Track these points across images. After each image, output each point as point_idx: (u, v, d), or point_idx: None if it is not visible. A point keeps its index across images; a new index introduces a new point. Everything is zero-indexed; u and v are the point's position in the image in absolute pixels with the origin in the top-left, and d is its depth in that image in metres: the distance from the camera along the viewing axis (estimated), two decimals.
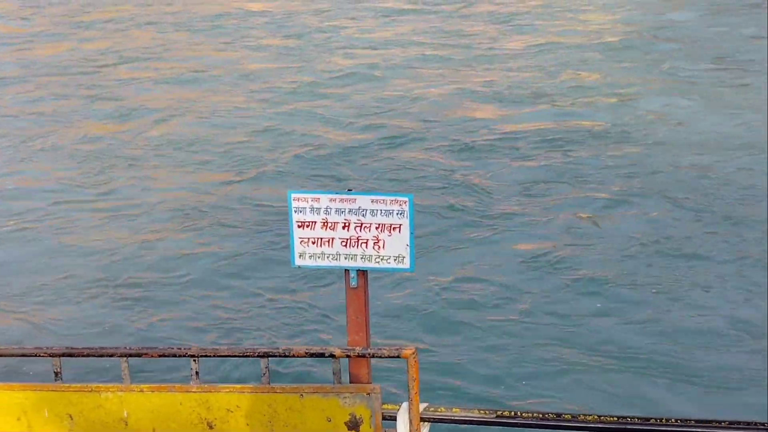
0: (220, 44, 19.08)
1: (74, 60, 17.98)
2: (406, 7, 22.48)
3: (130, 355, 4.42)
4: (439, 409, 4.36)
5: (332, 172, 10.98)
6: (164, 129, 13.08)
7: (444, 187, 10.33)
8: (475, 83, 15.01)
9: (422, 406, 4.29)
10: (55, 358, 4.40)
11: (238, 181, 10.85)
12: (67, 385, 4.40)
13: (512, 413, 4.34)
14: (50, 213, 10.09)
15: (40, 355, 4.42)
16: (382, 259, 4.51)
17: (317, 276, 7.92)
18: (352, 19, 21.33)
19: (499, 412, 4.34)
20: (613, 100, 13.59)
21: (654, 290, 7.69)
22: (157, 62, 17.60)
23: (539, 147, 11.62)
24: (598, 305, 7.48)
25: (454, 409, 4.37)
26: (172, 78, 16.19)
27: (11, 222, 9.91)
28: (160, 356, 4.49)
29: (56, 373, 4.41)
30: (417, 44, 18.11)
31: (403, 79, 15.47)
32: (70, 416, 4.36)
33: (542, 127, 12.36)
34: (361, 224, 4.50)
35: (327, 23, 20.81)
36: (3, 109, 14.58)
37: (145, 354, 4.50)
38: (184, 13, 22.96)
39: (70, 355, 4.43)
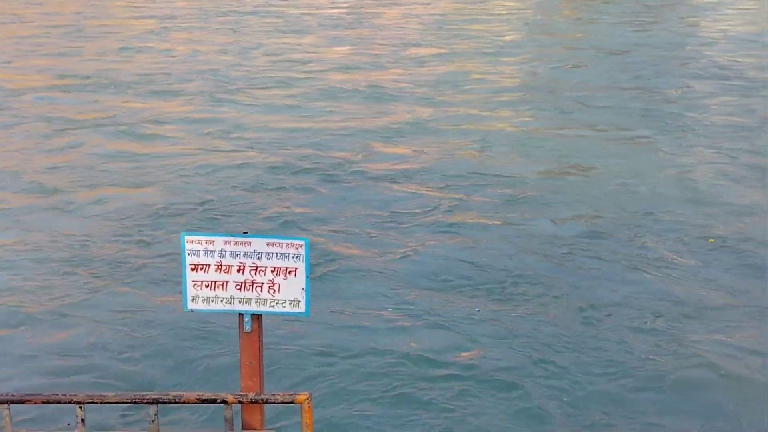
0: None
1: None
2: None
3: (12, 402, 4.24)
4: None
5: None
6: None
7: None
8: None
9: None
10: None
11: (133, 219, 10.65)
12: None
13: None
14: None
15: None
16: (277, 303, 4.47)
17: (210, 319, 7.78)
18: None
19: None
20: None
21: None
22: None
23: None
24: (505, 343, 7.53)
25: None
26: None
27: None
28: (43, 403, 4.33)
29: None
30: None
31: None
32: None
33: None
34: (257, 268, 4.46)
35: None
36: None
37: (28, 400, 4.33)
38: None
39: None
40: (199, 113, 16.15)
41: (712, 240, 9.77)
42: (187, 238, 4.44)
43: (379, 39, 24.53)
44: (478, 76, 19.44)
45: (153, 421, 4.34)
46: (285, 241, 4.44)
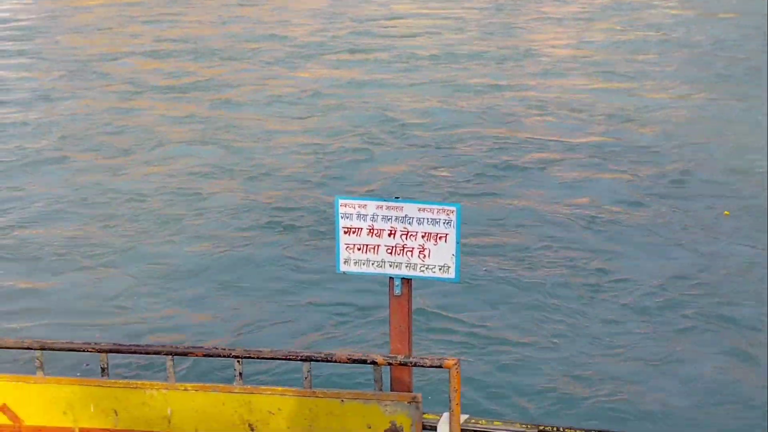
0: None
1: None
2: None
3: (176, 354, 4.48)
4: (480, 422, 4.35)
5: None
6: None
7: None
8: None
9: (463, 417, 4.27)
10: (102, 354, 4.47)
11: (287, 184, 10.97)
12: (113, 380, 4.47)
13: (555, 428, 4.32)
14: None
15: (87, 350, 4.49)
16: (427, 269, 4.51)
17: (362, 282, 7.91)
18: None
19: (541, 427, 4.32)
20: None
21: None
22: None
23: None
24: (648, 328, 7.38)
25: (495, 422, 4.36)
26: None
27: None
28: (204, 356, 4.54)
29: (103, 369, 4.48)
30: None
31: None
32: (115, 411, 4.42)
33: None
34: (407, 232, 4.50)
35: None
36: None
37: (190, 353, 4.56)
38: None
39: (117, 351, 4.50)
40: (274, 79, 16.43)
41: (728, 213, 9.34)
42: (341, 201, 4.53)
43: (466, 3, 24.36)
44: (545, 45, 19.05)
45: (306, 377, 4.48)
46: (436, 207, 4.46)
